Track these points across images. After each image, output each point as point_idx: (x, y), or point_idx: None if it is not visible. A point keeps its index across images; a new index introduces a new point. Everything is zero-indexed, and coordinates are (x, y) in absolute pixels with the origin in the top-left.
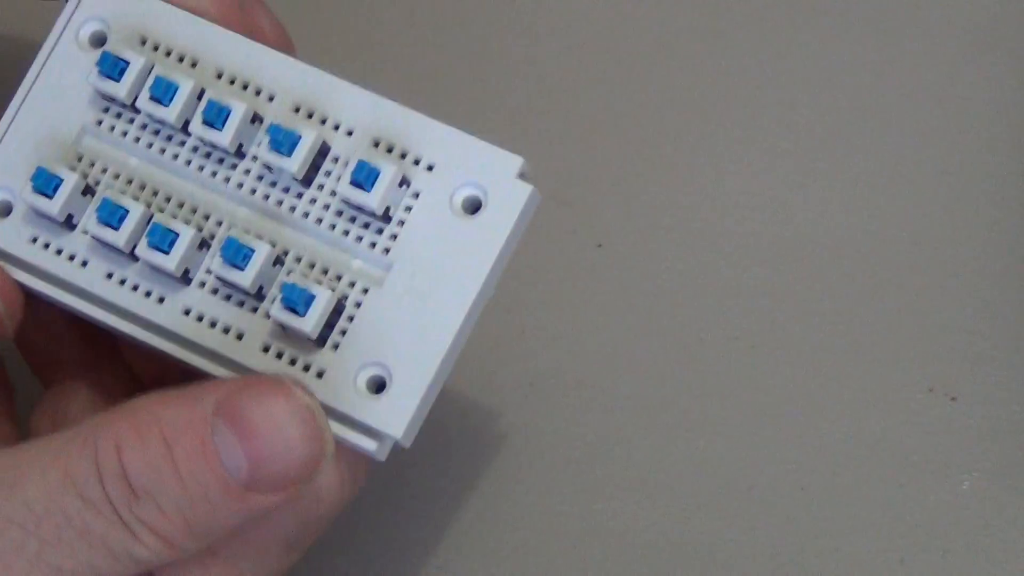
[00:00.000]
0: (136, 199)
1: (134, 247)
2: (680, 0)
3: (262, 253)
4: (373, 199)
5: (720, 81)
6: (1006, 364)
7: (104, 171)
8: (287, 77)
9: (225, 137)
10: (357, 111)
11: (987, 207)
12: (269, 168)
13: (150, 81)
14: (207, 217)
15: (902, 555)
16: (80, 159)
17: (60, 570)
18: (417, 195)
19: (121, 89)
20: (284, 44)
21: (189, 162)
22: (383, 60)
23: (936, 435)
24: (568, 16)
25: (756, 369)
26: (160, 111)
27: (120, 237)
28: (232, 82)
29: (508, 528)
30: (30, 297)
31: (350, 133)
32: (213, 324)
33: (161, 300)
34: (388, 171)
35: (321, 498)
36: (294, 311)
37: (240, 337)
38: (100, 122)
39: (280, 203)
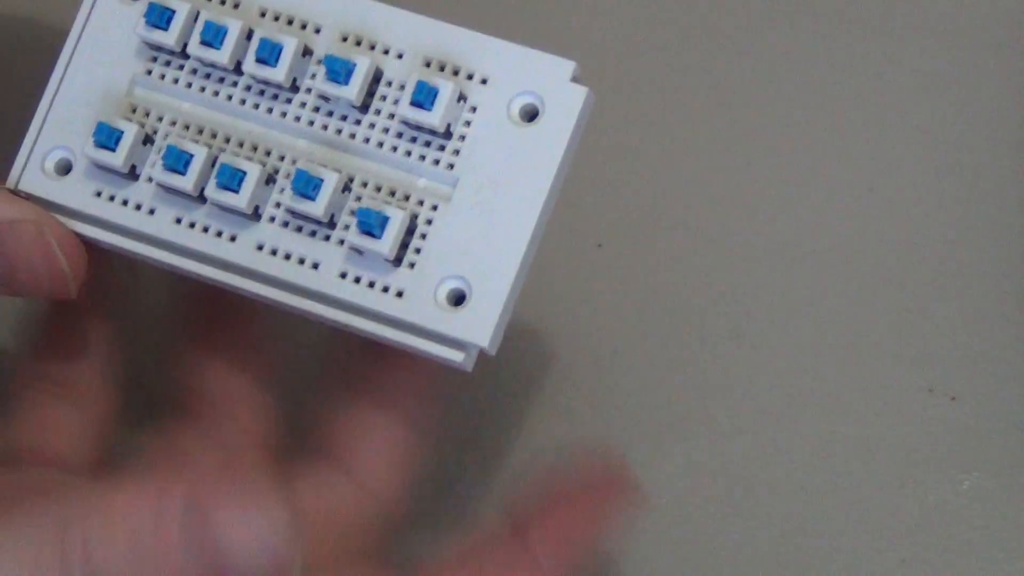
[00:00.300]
0: (197, 142)
1: (202, 190)
2: (679, 1)
3: (331, 182)
4: (435, 117)
5: (720, 81)
6: (1006, 364)
7: (160, 119)
8: (331, 8)
9: (280, 73)
10: (405, 34)
11: (987, 207)
12: (325, 99)
13: (199, 26)
14: (268, 153)
15: (902, 555)
16: (135, 110)
17: None
18: (475, 109)
19: (170, 37)
20: None
21: (244, 101)
22: None
23: (936, 435)
24: (566, 17)
25: (756, 369)
26: (212, 54)
27: (188, 182)
28: (277, 19)
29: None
30: (94, 256)
31: (400, 56)
32: (288, 256)
33: (233, 238)
34: (447, 88)
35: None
36: (370, 234)
37: (316, 266)
38: (150, 72)
39: (340, 132)
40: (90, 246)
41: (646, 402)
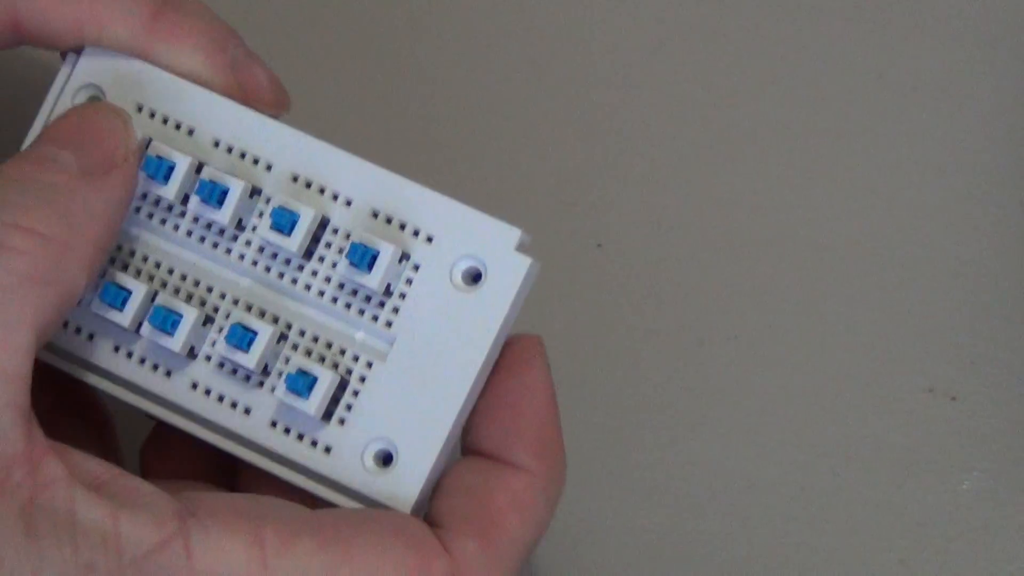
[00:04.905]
0: (139, 274)
1: (139, 325)
2: (680, 0)
3: (265, 336)
4: (373, 280)
5: (720, 81)
6: (1006, 364)
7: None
8: (284, 146)
9: (224, 215)
10: (355, 181)
11: (987, 207)
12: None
13: (143, 160)
14: (210, 289)
15: (902, 555)
16: None
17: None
18: (417, 267)
19: None
20: (280, 100)
21: (190, 233)
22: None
23: (936, 435)
24: (568, 14)
25: (756, 369)
26: (158, 189)
27: (125, 317)
28: (229, 151)
29: None
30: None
31: (349, 203)
32: (221, 399)
33: (168, 374)
34: (387, 251)
35: None
36: (298, 394)
37: (248, 412)
38: None
39: (283, 276)
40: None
41: (646, 402)
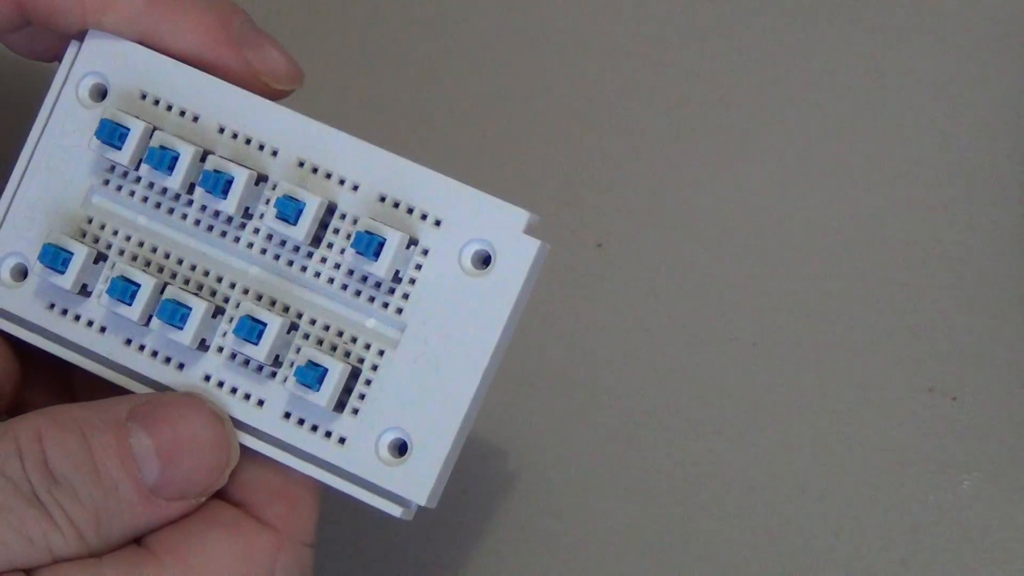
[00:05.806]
0: (147, 265)
1: (149, 318)
2: (680, 0)
3: (274, 328)
4: (380, 268)
5: (720, 81)
6: (1006, 364)
7: (115, 233)
8: (289, 131)
9: (230, 205)
10: (361, 165)
11: (987, 207)
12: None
13: (153, 145)
14: (220, 279)
15: (902, 555)
16: (90, 220)
17: None
18: (426, 252)
19: (123, 156)
20: (293, 75)
21: (198, 222)
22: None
23: (936, 435)
24: (569, 14)
25: (756, 369)
26: (163, 180)
27: (134, 312)
28: (235, 136)
29: (508, 528)
30: (28, 368)
31: (356, 188)
32: (234, 391)
33: (181, 367)
34: (394, 239)
35: None
36: (308, 387)
37: (261, 404)
38: (107, 181)
39: (291, 263)
40: (40, 354)
41: (646, 402)
